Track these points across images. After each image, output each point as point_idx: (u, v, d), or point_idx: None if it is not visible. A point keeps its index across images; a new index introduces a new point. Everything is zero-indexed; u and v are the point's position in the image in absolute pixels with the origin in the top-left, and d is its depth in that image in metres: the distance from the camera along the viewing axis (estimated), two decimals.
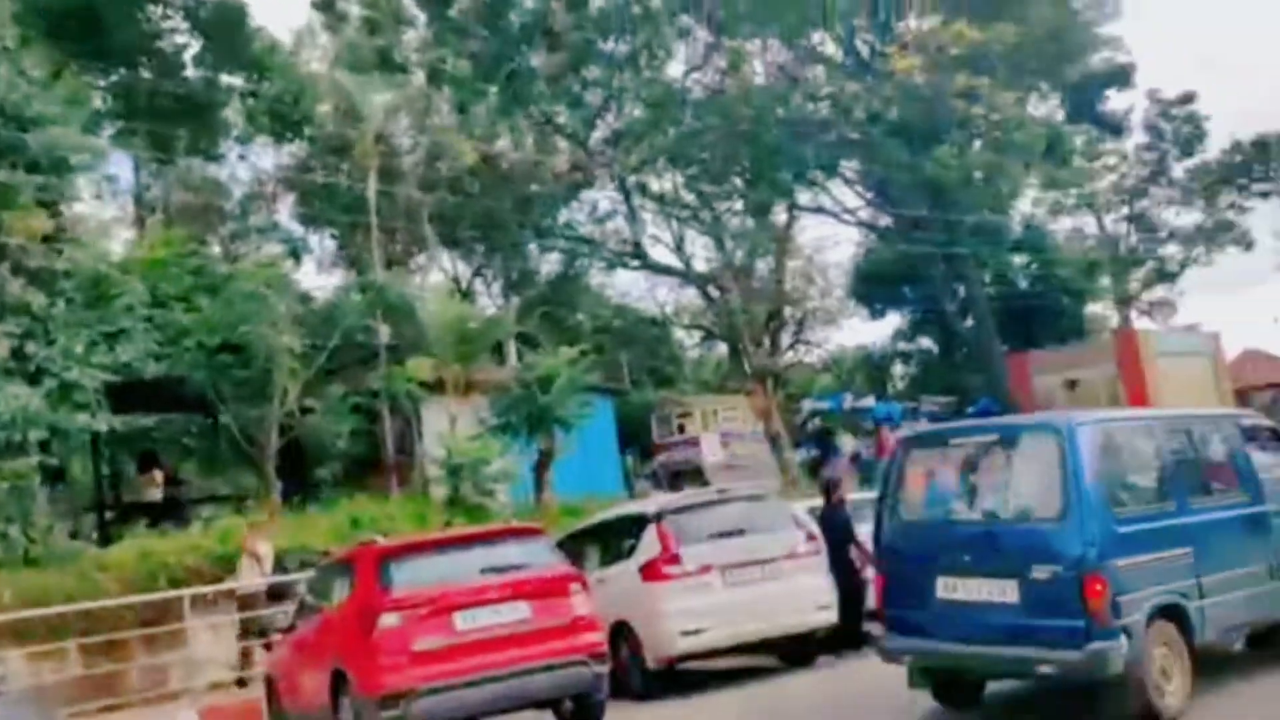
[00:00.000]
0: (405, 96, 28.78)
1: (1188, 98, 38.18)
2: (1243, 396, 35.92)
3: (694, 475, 28.52)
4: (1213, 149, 38.17)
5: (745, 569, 10.68)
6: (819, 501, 12.79)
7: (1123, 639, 6.84)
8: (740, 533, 11.00)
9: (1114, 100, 37.72)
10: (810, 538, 11.36)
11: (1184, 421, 8.56)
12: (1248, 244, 38.20)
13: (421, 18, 31.79)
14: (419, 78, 30.63)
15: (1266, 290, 69.45)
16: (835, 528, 11.92)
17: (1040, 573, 7.04)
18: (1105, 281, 40.40)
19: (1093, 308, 41.47)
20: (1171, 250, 39.89)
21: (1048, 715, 8.00)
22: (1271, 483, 8.30)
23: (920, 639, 7.74)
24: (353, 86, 24.04)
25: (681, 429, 32.75)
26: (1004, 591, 7.21)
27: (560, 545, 11.19)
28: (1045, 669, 7.07)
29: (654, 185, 33.37)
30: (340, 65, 28.38)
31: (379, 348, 21.28)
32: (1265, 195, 37.57)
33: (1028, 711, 8.21)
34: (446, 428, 19.75)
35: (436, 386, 20.91)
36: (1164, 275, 40.41)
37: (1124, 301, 40.72)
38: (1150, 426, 8.22)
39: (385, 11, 29.87)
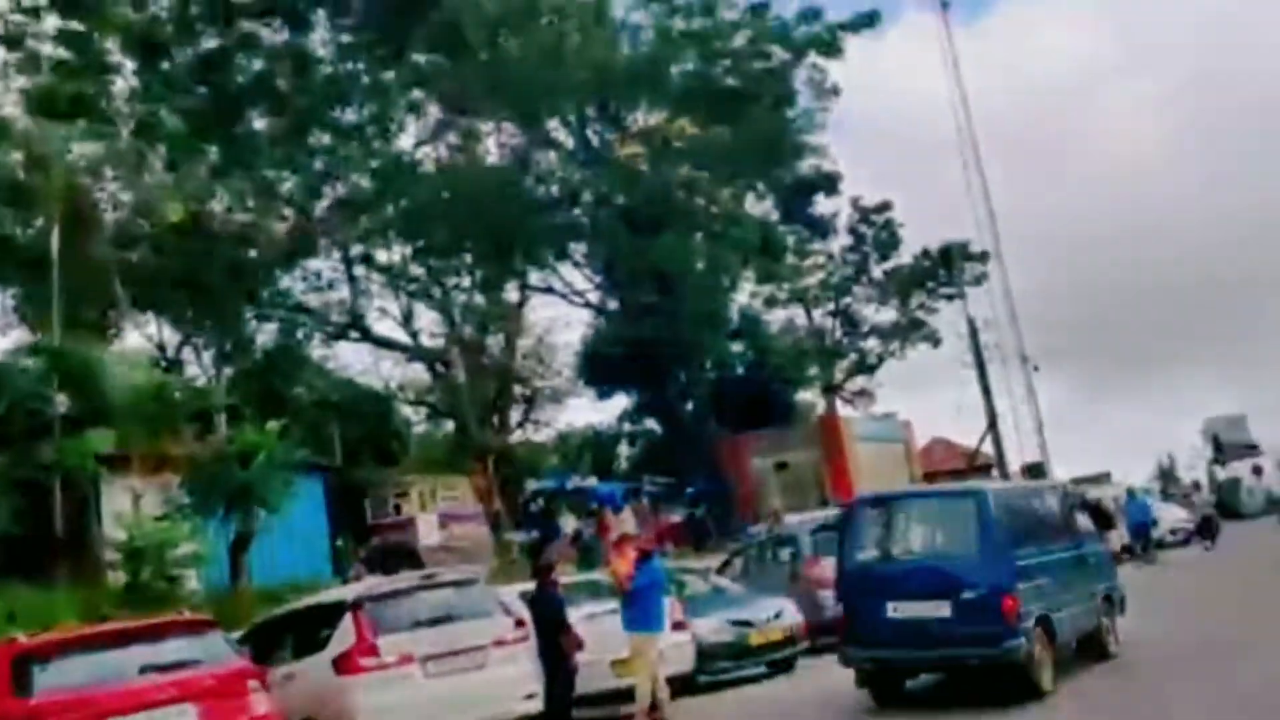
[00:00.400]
0: (110, 149, 26.54)
1: (885, 206, 42.04)
2: (931, 479, 38.94)
3: (410, 558, 27.32)
4: (906, 254, 42.10)
5: (448, 659, 10.11)
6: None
7: (1023, 639, 9.60)
8: (446, 620, 10.44)
9: (822, 205, 40.98)
10: (519, 624, 10.96)
11: (1040, 490, 12.98)
12: (936, 341, 42.17)
13: (130, 66, 29.69)
14: (127, 130, 28.40)
15: (951, 383, 76.74)
16: (546, 612, 11.58)
17: (969, 594, 9.69)
18: (813, 371, 43.18)
19: (802, 395, 44.15)
20: (871, 344, 43.53)
21: (947, 701, 10.43)
22: (1085, 533, 12.12)
23: (875, 649, 10.19)
24: (39, 132, 21.86)
25: (398, 509, 31.44)
26: (939, 609, 9.75)
27: (249, 637, 10.29)
28: (972, 662, 9.86)
29: (381, 256, 32.59)
30: (33, 110, 25.83)
31: (53, 418, 19.10)
32: (949, 298, 41.54)
33: (935, 699, 10.65)
34: (129, 507, 17.91)
35: (122, 462, 18.99)
36: (864, 367, 43.81)
37: (829, 390, 43.61)
38: (1024, 493, 12.24)
39: (87, 55, 27.57)
